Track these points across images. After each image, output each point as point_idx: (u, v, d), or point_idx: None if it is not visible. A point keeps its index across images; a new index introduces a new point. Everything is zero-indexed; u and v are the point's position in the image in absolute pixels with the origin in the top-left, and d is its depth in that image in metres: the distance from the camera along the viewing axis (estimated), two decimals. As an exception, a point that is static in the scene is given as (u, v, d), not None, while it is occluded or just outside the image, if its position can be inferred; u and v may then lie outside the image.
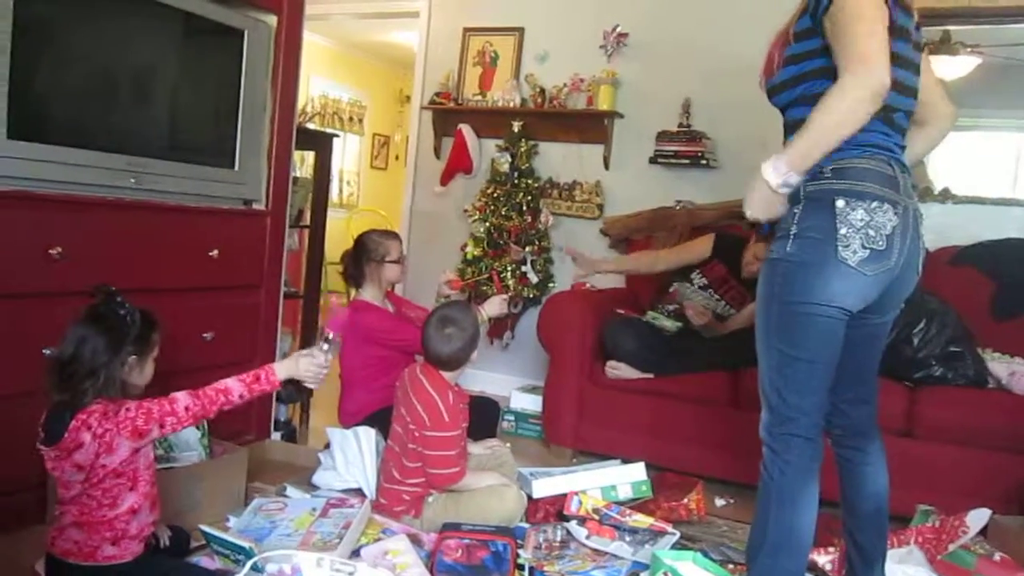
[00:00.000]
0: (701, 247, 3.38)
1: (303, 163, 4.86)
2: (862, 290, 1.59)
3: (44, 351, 1.91)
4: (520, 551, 2.03)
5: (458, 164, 4.35)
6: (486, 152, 4.32)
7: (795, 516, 1.62)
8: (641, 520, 2.25)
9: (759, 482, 1.67)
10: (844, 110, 1.48)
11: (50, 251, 2.04)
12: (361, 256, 2.82)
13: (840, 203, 1.55)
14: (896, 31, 1.58)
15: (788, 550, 1.63)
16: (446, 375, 2.26)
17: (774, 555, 1.63)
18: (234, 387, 1.73)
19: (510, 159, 4.07)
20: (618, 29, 3.99)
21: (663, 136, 3.87)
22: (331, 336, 1.95)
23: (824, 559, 2.13)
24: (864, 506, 1.83)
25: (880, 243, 1.56)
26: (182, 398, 1.67)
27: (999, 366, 2.83)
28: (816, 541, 2.30)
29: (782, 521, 1.62)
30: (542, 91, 4.14)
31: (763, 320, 1.67)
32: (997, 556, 2.17)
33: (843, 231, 1.55)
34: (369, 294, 2.82)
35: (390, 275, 2.84)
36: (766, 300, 1.66)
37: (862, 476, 1.82)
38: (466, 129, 4.31)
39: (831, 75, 1.54)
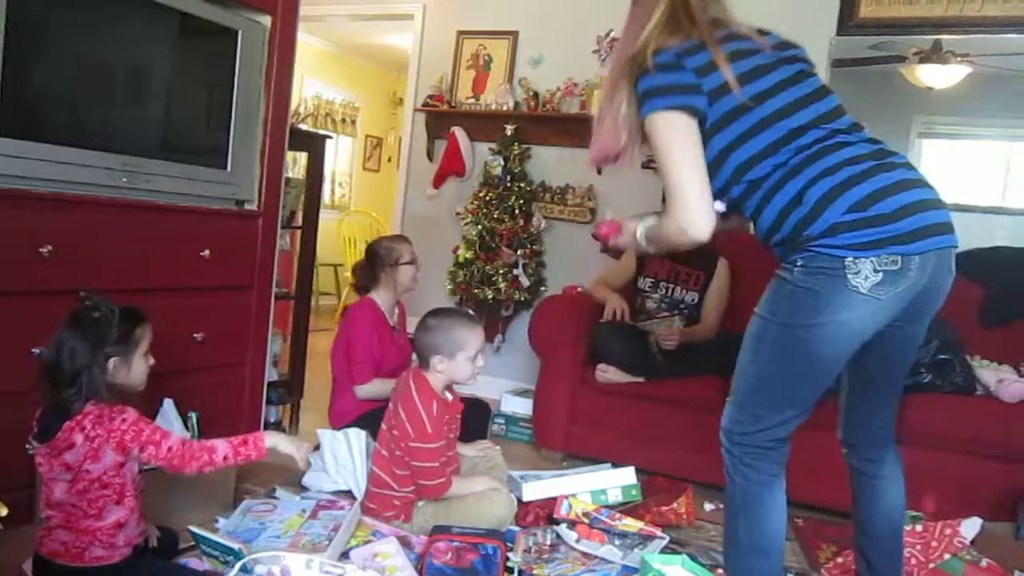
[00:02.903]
0: (627, 263, 3.41)
1: (295, 164, 4.85)
2: (876, 315, 1.49)
3: (33, 351, 1.90)
4: (510, 554, 2.03)
5: (451, 167, 4.35)
6: (479, 155, 4.32)
7: (763, 520, 1.60)
8: (631, 524, 2.26)
9: (725, 486, 1.66)
10: (671, 243, 1.63)
11: (40, 250, 2.02)
12: (375, 263, 2.85)
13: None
14: (762, 69, 1.56)
15: (760, 553, 1.61)
16: (432, 382, 2.23)
17: (747, 558, 1.63)
18: (220, 447, 1.75)
19: (503, 162, 4.07)
20: (612, 34, 3.98)
21: (656, 141, 3.87)
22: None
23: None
24: (878, 523, 1.77)
25: (895, 263, 1.46)
26: (172, 437, 1.69)
27: (987, 373, 2.84)
28: (806, 546, 2.33)
29: (751, 526, 1.61)
30: (535, 95, 4.14)
31: (759, 329, 1.60)
32: (984, 562, 2.19)
33: (850, 257, 1.45)
34: (380, 297, 2.85)
35: (404, 277, 2.87)
36: (767, 314, 1.58)
37: (875, 489, 1.76)
38: (459, 132, 4.31)
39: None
